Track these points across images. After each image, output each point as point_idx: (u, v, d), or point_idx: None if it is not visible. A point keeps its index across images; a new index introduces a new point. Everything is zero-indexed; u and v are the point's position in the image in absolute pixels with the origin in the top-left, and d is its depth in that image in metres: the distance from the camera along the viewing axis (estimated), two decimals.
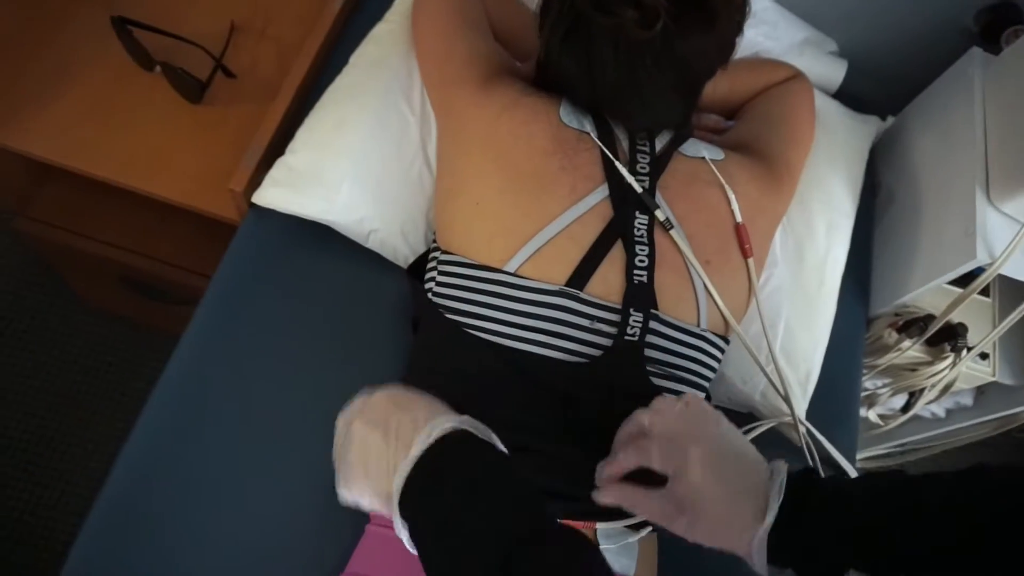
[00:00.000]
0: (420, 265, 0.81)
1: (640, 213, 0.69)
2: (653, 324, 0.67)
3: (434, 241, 0.78)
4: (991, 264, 0.82)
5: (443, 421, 0.53)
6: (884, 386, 1.05)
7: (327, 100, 0.85)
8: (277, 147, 0.86)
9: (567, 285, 0.67)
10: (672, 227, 0.70)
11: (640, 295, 0.67)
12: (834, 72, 1.04)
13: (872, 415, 1.07)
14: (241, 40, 1.02)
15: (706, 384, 0.73)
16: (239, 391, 0.80)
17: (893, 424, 1.08)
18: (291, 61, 0.92)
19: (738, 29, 0.69)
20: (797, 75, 0.92)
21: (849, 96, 1.05)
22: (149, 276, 1.15)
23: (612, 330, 0.67)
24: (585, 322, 0.67)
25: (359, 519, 0.70)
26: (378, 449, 0.54)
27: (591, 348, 0.67)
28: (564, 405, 0.66)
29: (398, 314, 0.84)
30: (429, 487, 0.51)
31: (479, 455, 0.53)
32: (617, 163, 0.69)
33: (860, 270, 1.00)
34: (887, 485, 0.54)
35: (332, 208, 0.81)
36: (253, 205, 0.86)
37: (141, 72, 0.98)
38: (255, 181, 0.85)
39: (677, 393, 0.68)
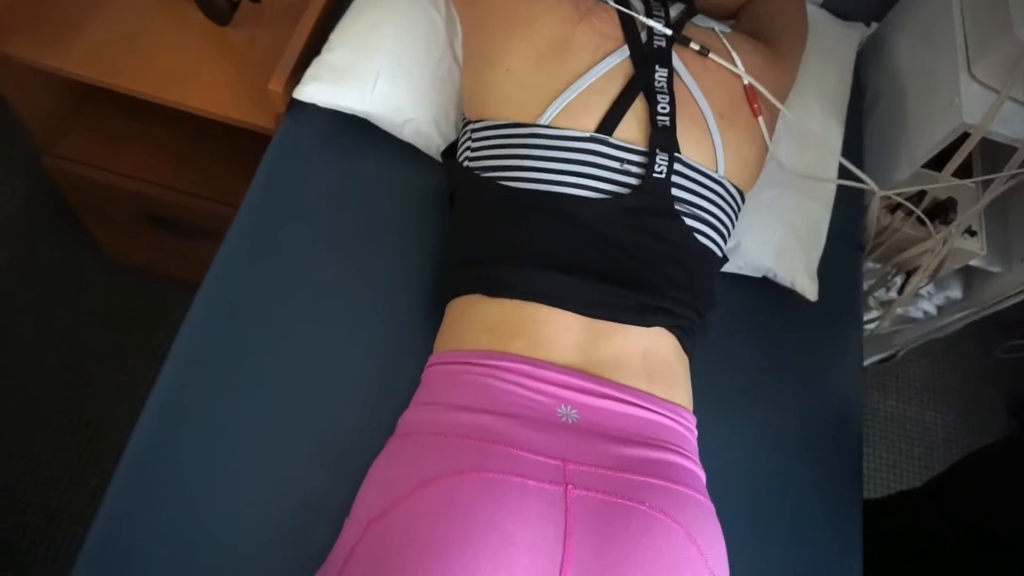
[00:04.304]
0: (452, 151, 0.87)
1: (660, 67, 0.75)
2: (677, 166, 0.74)
3: (464, 123, 0.84)
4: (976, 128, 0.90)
5: None
6: (883, 270, 1.12)
7: (358, 5, 0.91)
8: (309, 55, 0.92)
9: (596, 132, 0.73)
10: (707, 53, 0.77)
11: (664, 138, 0.73)
12: None
13: (872, 301, 1.14)
14: None
15: (726, 233, 0.79)
16: (281, 287, 0.82)
17: (893, 311, 1.15)
18: None
19: None
20: None
21: (835, 6, 1.13)
22: (177, 208, 1.20)
23: (640, 171, 0.73)
24: (615, 164, 0.73)
25: None
26: None
27: (621, 188, 0.73)
28: (597, 236, 0.72)
29: (432, 206, 0.89)
30: None
31: None
32: (638, 16, 0.76)
33: (854, 160, 1.07)
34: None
35: (370, 99, 0.86)
36: (290, 109, 0.92)
37: (168, 1, 1.04)
38: (292, 83, 0.90)
39: (703, 233, 0.75)
